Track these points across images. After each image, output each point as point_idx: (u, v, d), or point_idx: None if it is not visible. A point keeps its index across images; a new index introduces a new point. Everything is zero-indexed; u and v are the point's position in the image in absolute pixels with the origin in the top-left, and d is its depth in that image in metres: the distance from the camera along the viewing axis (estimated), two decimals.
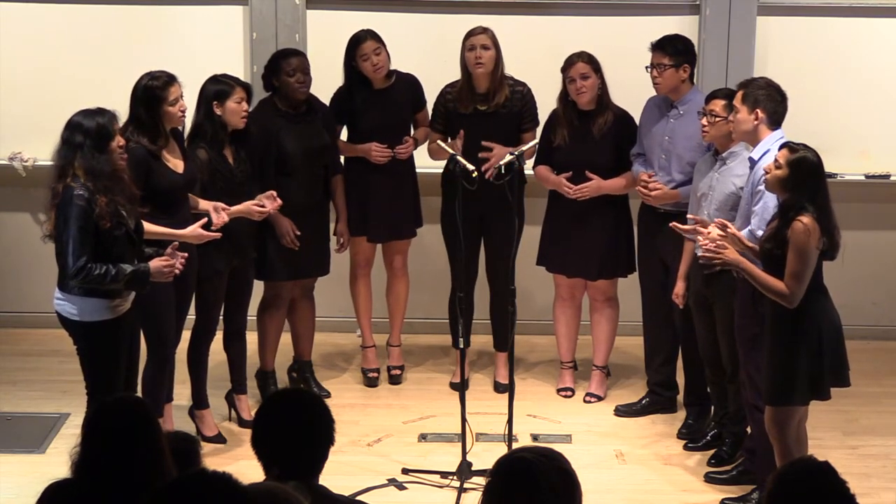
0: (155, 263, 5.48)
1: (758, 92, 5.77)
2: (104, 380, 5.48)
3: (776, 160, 5.35)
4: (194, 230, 5.93)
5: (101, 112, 5.44)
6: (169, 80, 5.96)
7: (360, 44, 6.88)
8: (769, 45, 7.70)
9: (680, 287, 6.39)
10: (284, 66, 6.73)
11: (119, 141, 5.45)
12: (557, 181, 6.84)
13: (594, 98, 6.78)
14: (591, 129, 6.80)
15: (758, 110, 5.76)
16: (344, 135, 7.15)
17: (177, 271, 5.57)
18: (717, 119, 6.07)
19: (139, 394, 5.86)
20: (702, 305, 6.29)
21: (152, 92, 5.91)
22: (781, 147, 5.42)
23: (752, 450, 5.98)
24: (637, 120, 6.85)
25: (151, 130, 5.92)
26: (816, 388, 5.40)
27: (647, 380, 7.02)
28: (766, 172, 5.38)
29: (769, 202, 5.61)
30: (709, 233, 5.61)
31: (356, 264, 7.28)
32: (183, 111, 6.03)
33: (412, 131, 7.15)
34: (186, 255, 5.64)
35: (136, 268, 5.42)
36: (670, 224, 6.07)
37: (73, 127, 5.39)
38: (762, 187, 5.61)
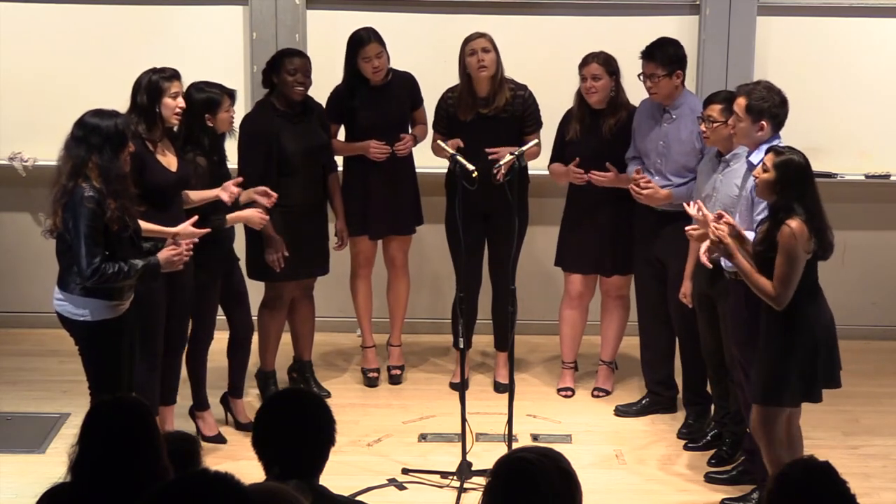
0: (163, 254, 5.53)
1: (762, 104, 5.72)
2: (107, 379, 5.48)
3: (763, 164, 5.36)
4: (186, 227, 5.93)
5: (116, 114, 5.46)
6: (173, 74, 6.04)
7: (363, 46, 6.87)
8: (769, 45, 7.70)
9: (687, 287, 6.39)
10: (286, 63, 6.72)
11: (131, 147, 5.47)
12: (567, 170, 6.86)
13: (605, 99, 6.80)
14: (601, 127, 6.82)
15: (762, 122, 5.74)
16: (341, 134, 7.15)
17: (185, 258, 5.60)
18: (716, 124, 6.06)
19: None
20: (705, 305, 6.28)
21: (156, 83, 5.97)
22: (767, 151, 5.42)
23: (752, 450, 5.98)
24: None
25: (150, 119, 5.97)
26: (808, 390, 5.42)
27: (646, 380, 7.02)
28: (756, 178, 5.38)
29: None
30: (715, 229, 5.66)
31: (357, 264, 7.27)
32: (180, 108, 6.05)
33: (410, 129, 7.15)
34: (195, 240, 5.67)
35: (147, 262, 5.47)
36: (686, 228, 6.08)
37: (89, 128, 5.37)
38: None
